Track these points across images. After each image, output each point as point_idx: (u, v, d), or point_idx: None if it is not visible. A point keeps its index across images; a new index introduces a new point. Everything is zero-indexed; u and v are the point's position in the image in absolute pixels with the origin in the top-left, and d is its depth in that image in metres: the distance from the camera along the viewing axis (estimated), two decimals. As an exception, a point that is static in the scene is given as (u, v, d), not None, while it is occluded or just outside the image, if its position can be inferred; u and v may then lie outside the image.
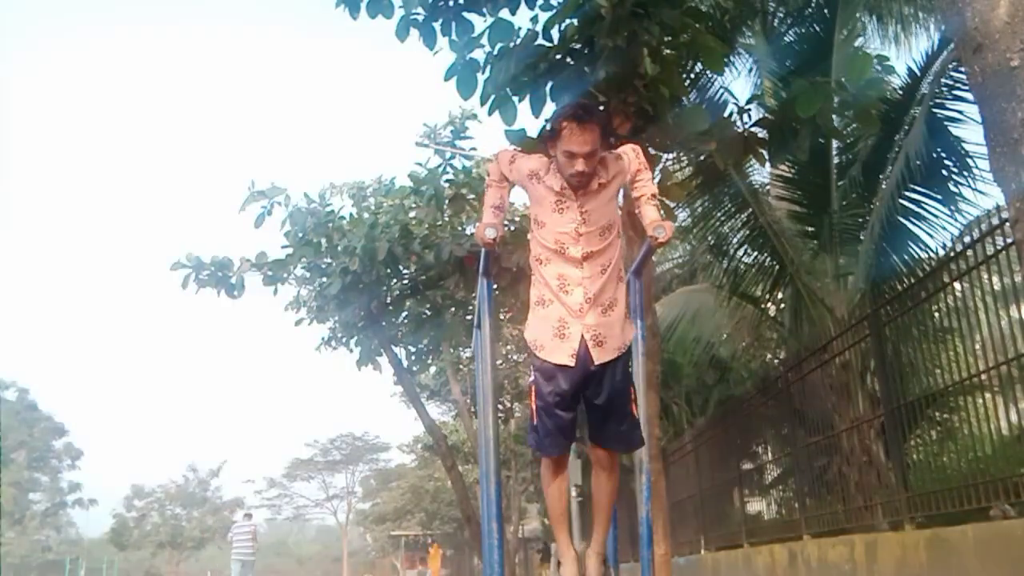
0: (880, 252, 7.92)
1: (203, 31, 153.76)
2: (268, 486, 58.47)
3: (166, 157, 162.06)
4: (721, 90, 8.28)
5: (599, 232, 2.93)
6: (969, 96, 6.80)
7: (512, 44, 5.81)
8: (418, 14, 5.98)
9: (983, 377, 4.91)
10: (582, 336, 2.90)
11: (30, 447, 47.19)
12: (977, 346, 5.06)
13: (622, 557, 11.07)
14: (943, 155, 7.47)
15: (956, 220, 7.57)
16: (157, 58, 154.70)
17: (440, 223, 11.82)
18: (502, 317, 14.32)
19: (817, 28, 8.40)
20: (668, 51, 6.01)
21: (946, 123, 7.40)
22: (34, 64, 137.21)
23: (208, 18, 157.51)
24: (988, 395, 5.09)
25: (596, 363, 2.91)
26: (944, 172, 7.52)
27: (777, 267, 8.87)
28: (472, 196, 11.33)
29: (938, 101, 7.49)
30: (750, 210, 8.87)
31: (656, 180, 3.39)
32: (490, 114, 5.91)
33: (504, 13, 5.93)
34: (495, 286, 5.71)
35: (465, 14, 5.96)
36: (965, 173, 7.34)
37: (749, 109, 6.49)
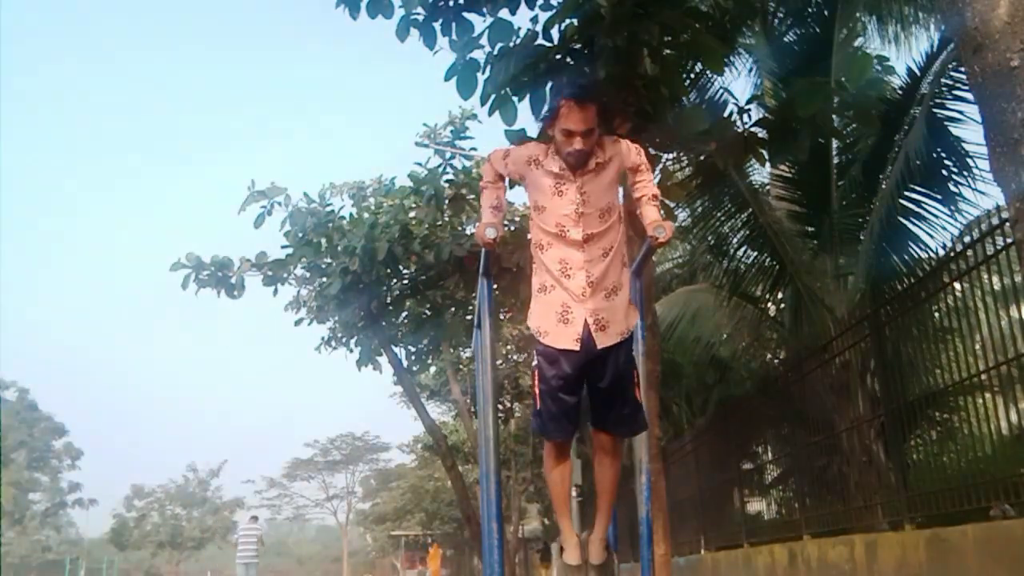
0: (880, 252, 7.92)
1: (203, 31, 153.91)
2: (268, 486, 58.59)
3: (166, 157, 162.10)
4: (721, 90, 8.29)
5: (599, 214, 2.94)
6: (969, 96, 6.80)
7: (512, 44, 5.82)
8: (418, 14, 5.99)
9: (983, 377, 4.91)
10: (585, 320, 2.91)
11: (30, 447, 47.23)
12: (977, 346, 5.06)
13: (622, 557, 11.09)
14: (943, 155, 7.48)
15: (956, 220, 7.58)
16: (157, 58, 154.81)
17: (440, 223, 11.82)
18: (502, 317, 14.32)
19: (817, 28, 8.41)
20: (668, 51, 6.02)
21: (946, 123, 7.40)
22: (34, 64, 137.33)
23: (208, 18, 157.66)
24: (988, 395, 5.09)
25: (599, 347, 2.91)
26: (944, 172, 7.52)
27: (777, 267, 8.87)
28: (472, 196, 11.33)
29: (938, 101, 7.49)
30: (750, 210, 8.87)
31: (656, 180, 3.39)
32: (490, 114, 5.91)
33: (504, 13, 5.93)
34: (495, 286, 5.71)
35: (465, 14, 5.96)
36: (965, 173, 7.34)
37: (749, 109, 6.49)
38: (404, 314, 13.79)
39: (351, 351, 13.96)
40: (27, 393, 48.78)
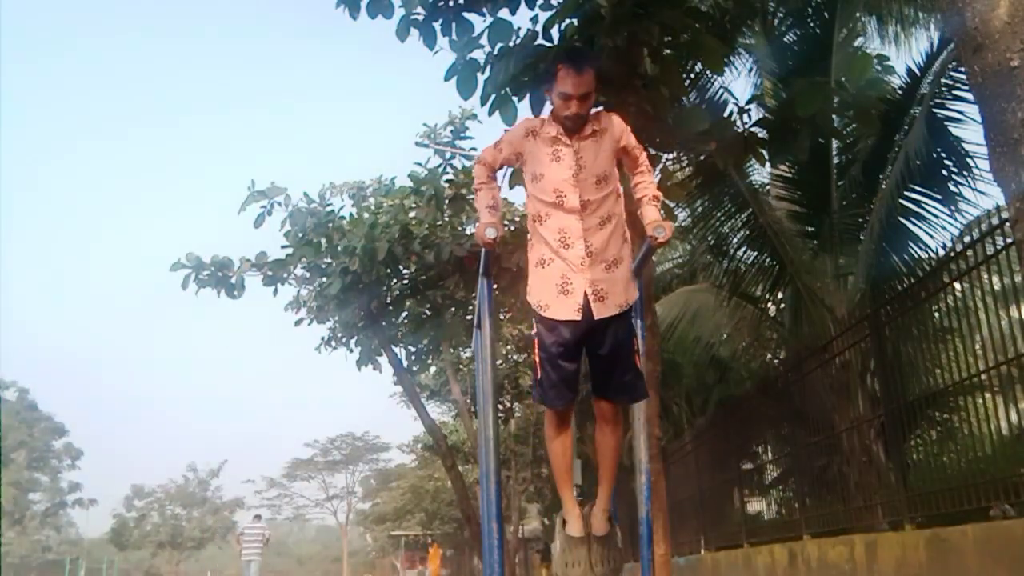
0: (880, 252, 7.92)
1: (203, 31, 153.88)
2: (268, 486, 58.55)
3: (166, 157, 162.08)
4: (721, 90, 8.29)
5: (595, 180, 2.97)
6: (969, 96, 6.80)
7: (512, 44, 5.82)
8: (418, 14, 5.98)
9: (983, 377, 4.91)
10: (584, 291, 2.92)
11: (30, 447, 47.21)
12: (977, 346, 5.06)
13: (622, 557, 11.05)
14: (943, 155, 7.48)
15: (956, 220, 7.59)
16: (157, 58, 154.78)
17: (440, 223, 11.83)
18: (502, 317, 14.33)
19: (817, 28, 8.41)
20: (668, 51, 6.02)
21: (946, 123, 7.40)
22: (34, 64, 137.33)
23: (209, 17, 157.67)
24: (988, 395, 5.09)
25: (596, 317, 2.93)
26: (944, 172, 7.52)
27: (777, 267, 8.87)
28: (472, 196, 11.32)
29: (938, 101, 7.49)
30: (750, 210, 8.87)
31: (656, 180, 3.40)
32: (490, 114, 5.92)
33: (504, 13, 5.93)
34: (495, 286, 5.71)
35: (465, 14, 5.96)
36: (965, 173, 7.34)
37: (749, 109, 6.50)
38: (404, 314, 13.80)
39: (351, 351, 13.97)
40: (27, 393, 48.83)
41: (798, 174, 8.81)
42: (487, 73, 5.91)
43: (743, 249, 9.23)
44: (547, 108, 3.12)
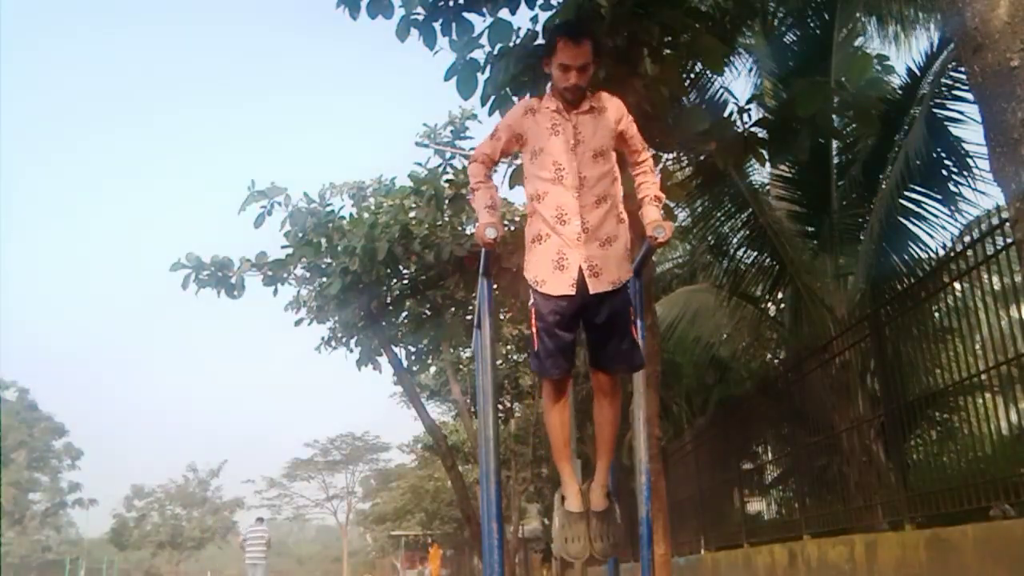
0: (880, 252, 7.92)
1: (204, 31, 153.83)
2: (268, 486, 58.50)
3: (167, 157, 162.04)
4: (721, 90, 8.29)
5: (592, 155, 3.03)
6: (969, 96, 6.80)
7: (512, 44, 5.82)
8: (418, 14, 5.98)
9: (983, 377, 4.91)
10: (579, 266, 2.97)
11: (30, 447, 47.19)
12: (977, 346, 5.06)
13: (622, 557, 11.06)
14: (943, 155, 7.48)
15: (956, 220, 7.59)
16: (157, 58, 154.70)
17: (440, 223, 11.82)
18: (502, 317, 14.33)
19: (817, 28, 8.40)
20: (668, 51, 6.01)
21: (946, 123, 7.40)
22: (34, 64, 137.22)
23: (209, 17, 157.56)
24: (988, 395, 5.09)
25: (591, 292, 2.97)
26: (944, 172, 7.52)
27: (777, 267, 8.87)
28: (470, 197, 11.32)
29: (938, 101, 7.49)
30: (750, 210, 8.87)
31: (657, 181, 3.42)
32: (490, 114, 5.92)
33: (504, 13, 5.93)
34: (495, 286, 5.71)
35: (465, 14, 5.95)
36: (965, 173, 7.34)
37: (749, 109, 6.49)
38: (404, 314, 13.80)
39: (351, 351, 13.97)
40: (27, 393, 48.82)
41: (798, 174, 8.81)
42: (487, 73, 5.91)
43: (743, 249, 9.23)
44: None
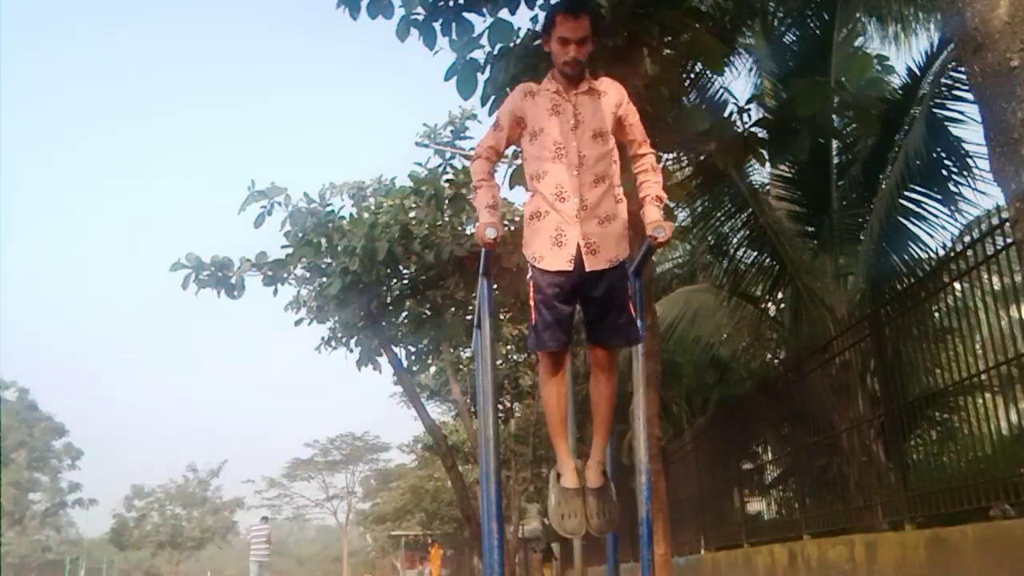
0: (880, 252, 7.92)
1: (204, 31, 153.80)
2: (268, 486, 58.50)
3: (167, 157, 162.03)
4: (721, 90, 8.29)
5: (592, 135, 3.06)
6: (969, 96, 6.80)
7: (512, 44, 5.81)
8: (418, 14, 5.98)
9: (983, 377, 4.91)
10: (577, 243, 3.00)
11: (30, 447, 47.18)
12: (977, 346, 5.06)
13: (622, 557, 11.09)
14: (943, 155, 7.48)
15: (956, 220, 7.58)
16: (157, 58, 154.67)
17: (440, 223, 11.83)
18: (502, 317, 14.32)
19: (817, 28, 8.40)
20: (668, 51, 6.01)
21: (946, 123, 7.40)
22: (34, 64, 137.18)
23: (209, 17, 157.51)
24: (988, 395, 5.09)
25: (587, 269, 3.00)
26: (944, 172, 7.52)
27: (777, 267, 8.87)
28: (472, 196, 11.32)
29: (938, 101, 7.48)
30: (750, 210, 8.86)
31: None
32: (490, 114, 5.91)
33: (504, 13, 5.93)
34: (495, 286, 5.71)
35: (465, 14, 5.95)
36: (965, 173, 7.34)
37: (749, 109, 6.49)
38: (404, 314, 13.80)
39: (351, 351, 13.97)
40: (27, 393, 48.80)
41: (798, 174, 8.81)
42: (487, 73, 5.91)
43: (743, 249, 9.23)
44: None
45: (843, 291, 8.52)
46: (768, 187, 9.81)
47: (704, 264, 11.02)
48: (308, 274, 12.74)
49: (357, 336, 13.70)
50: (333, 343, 14.02)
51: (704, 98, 8.16)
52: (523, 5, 6.00)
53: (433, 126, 12.23)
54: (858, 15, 8.87)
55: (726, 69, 7.96)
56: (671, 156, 7.55)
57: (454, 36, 5.97)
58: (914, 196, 7.70)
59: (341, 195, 12.60)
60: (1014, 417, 4.96)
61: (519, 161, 4.92)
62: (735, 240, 9.19)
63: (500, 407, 19.64)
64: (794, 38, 8.65)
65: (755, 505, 10.06)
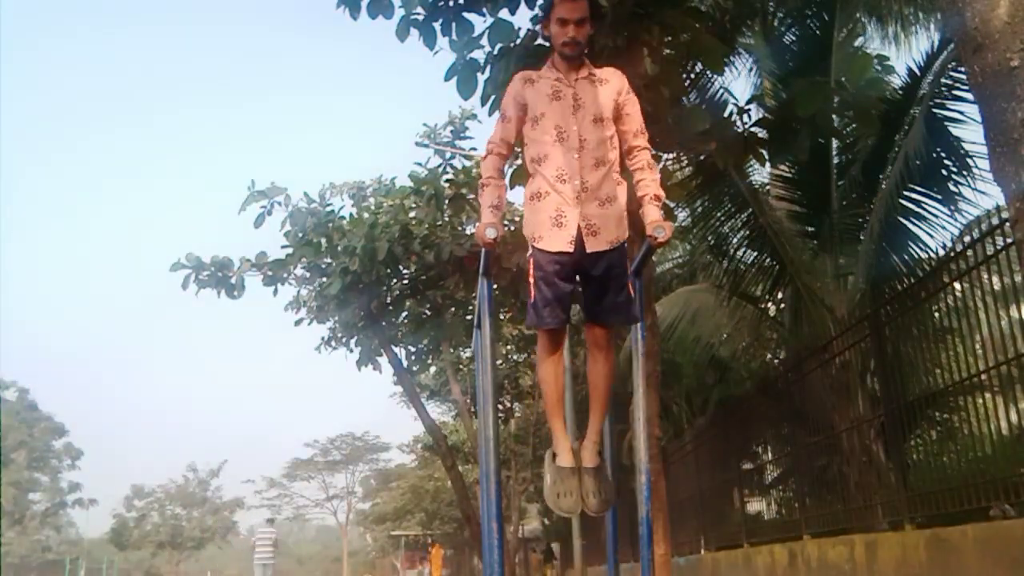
0: (880, 252, 7.92)
1: (204, 31, 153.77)
2: (268, 486, 58.48)
3: (167, 157, 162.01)
4: (721, 90, 8.29)
5: (592, 120, 3.09)
6: (969, 96, 6.80)
7: (512, 44, 5.81)
8: (418, 14, 5.98)
9: (983, 377, 4.91)
10: (578, 224, 3.01)
11: (30, 447, 47.15)
12: (977, 346, 5.06)
13: (622, 557, 11.08)
14: (943, 155, 7.47)
15: (956, 220, 7.58)
16: (157, 58, 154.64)
17: (440, 223, 11.82)
18: (502, 317, 14.32)
19: (817, 28, 8.40)
20: (668, 51, 6.01)
21: (946, 123, 7.40)
22: (34, 64, 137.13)
23: (209, 17, 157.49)
24: (988, 395, 5.09)
25: (588, 251, 3.02)
26: (944, 172, 7.52)
27: (777, 267, 8.86)
28: (472, 196, 11.33)
29: (938, 101, 7.48)
30: (750, 210, 8.86)
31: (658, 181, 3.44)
32: (490, 114, 5.91)
33: (504, 13, 5.93)
34: (495, 286, 5.71)
35: (465, 14, 5.95)
36: (965, 173, 7.34)
37: (749, 109, 6.49)
38: (404, 314, 13.79)
39: (351, 351, 13.96)
40: (27, 393, 48.75)
41: (798, 174, 8.81)
42: (487, 73, 5.91)
43: (743, 249, 9.22)
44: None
45: (843, 291, 8.52)
46: (768, 187, 9.80)
47: (704, 264, 11.02)
48: (308, 274, 12.74)
49: (357, 336, 13.69)
50: (333, 343, 14.01)
51: (704, 98, 8.16)
52: (523, 5, 6.00)
53: (433, 126, 12.24)
54: (858, 15, 8.87)
55: (726, 69, 7.96)
56: (671, 156, 7.55)
57: (454, 36, 5.97)
58: (914, 196, 7.70)
59: (341, 195, 12.60)
60: (1014, 417, 4.96)
61: (519, 161, 4.92)
62: (735, 240, 9.19)
63: (500, 407, 19.64)
64: (794, 38, 8.65)
65: (755, 505, 10.05)
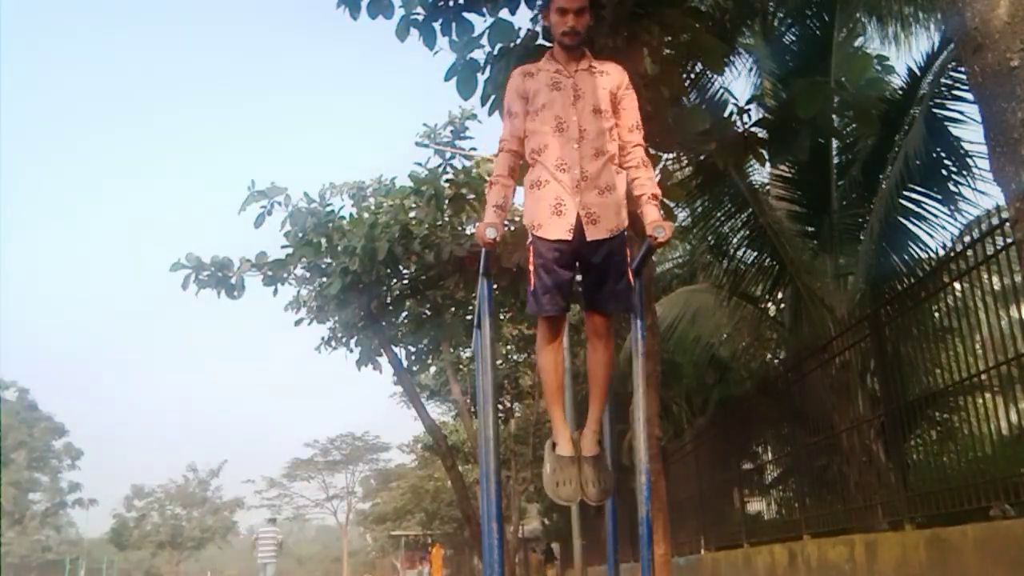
0: (880, 252, 7.91)
1: (204, 31, 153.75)
2: (268, 486, 58.46)
3: (167, 157, 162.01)
4: (721, 90, 8.28)
5: (592, 111, 3.12)
6: (969, 96, 6.80)
7: (512, 44, 5.81)
8: (418, 14, 5.97)
9: (983, 377, 4.91)
10: (577, 213, 3.03)
11: (30, 447, 47.13)
12: (977, 346, 5.06)
13: (622, 557, 11.09)
14: (943, 155, 7.47)
15: (956, 220, 7.58)
16: (157, 58, 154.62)
17: (440, 223, 11.82)
18: (502, 317, 14.32)
19: (817, 28, 8.40)
20: (668, 51, 6.01)
21: (946, 123, 7.40)
22: (34, 64, 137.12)
23: (209, 17, 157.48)
24: (988, 395, 5.09)
25: (588, 239, 3.03)
26: (944, 172, 7.51)
27: (777, 267, 8.86)
28: (472, 196, 11.33)
29: (938, 101, 7.48)
30: (750, 210, 8.86)
31: (656, 180, 3.43)
32: (490, 114, 5.91)
33: (504, 13, 5.93)
34: (495, 286, 5.70)
35: (465, 14, 5.95)
36: (965, 173, 7.34)
37: (749, 109, 6.49)
38: (404, 314, 13.79)
39: (351, 351, 13.96)
40: (27, 393, 48.73)
41: (798, 174, 8.81)
42: (487, 73, 5.91)
43: (743, 249, 9.22)
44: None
45: (843, 291, 8.52)
46: (768, 187, 9.80)
47: (704, 264, 11.02)
48: (308, 274, 12.74)
49: (357, 336, 13.70)
50: (333, 343, 14.01)
51: (704, 98, 8.16)
52: (523, 5, 6.00)
53: (433, 126, 12.23)
54: (858, 15, 8.87)
55: (726, 69, 7.96)
56: (671, 156, 7.54)
57: (454, 36, 5.96)
58: (914, 196, 7.69)
59: (341, 195, 12.60)
60: (1014, 417, 4.96)
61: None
62: (735, 240, 9.19)
63: (500, 407, 19.65)
64: (794, 38, 8.64)
65: (755, 505, 10.06)
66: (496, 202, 3.16)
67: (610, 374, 3.20)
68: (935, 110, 7.45)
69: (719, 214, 9.13)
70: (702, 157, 6.75)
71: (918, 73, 8.01)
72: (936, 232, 7.71)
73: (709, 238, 9.50)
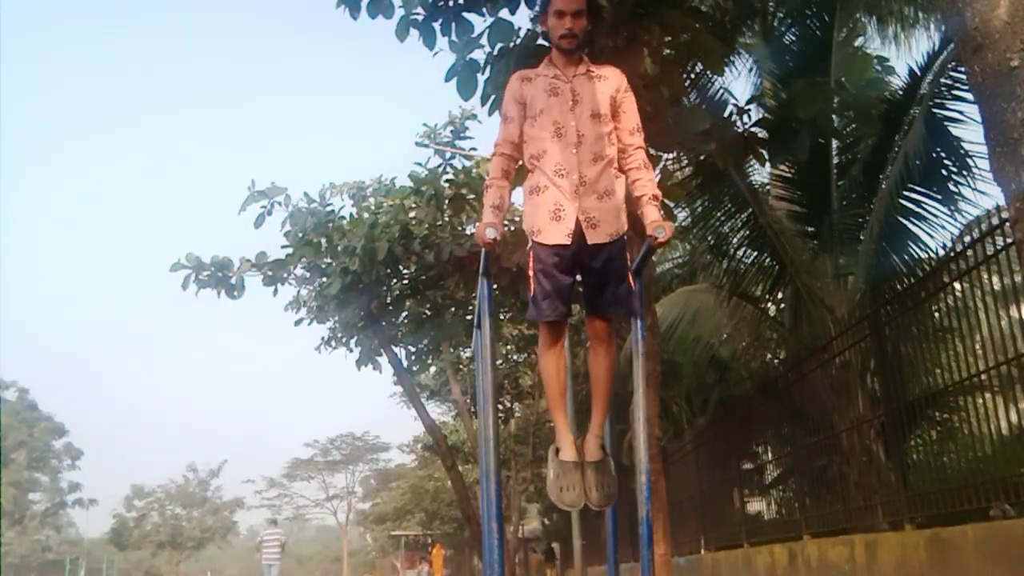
0: (880, 252, 7.91)
1: (204, 31, 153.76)
2: (268, 486, 58.51)
3: (167, 157, 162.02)
4: (721, 90, 8.28)
5: (591, 115, 3.11)
6: (969, 96, 6.80)
7: (512, 44, 5.81)
8: (418, 14, 5.97)
9: (983, 377, 4.91)
10: (577, 218, 3.03)
11: (30, 447, 47.16)
12: (977, 346, 5.06)
13: (622, 557, 11.09)
14: (943, 155, 7.47)
15: (956, 220, 7.58)
16: (157, 58, 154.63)
17: (440, 223, 11.82)
18: (502, 317, 14.32)
19: (817, 28, 8.40)
20: (668, 51, 6.01)
21: (946, 123, 7.40)
22: (34, 64, 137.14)
23: (209, 17, 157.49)
24: (988, 395, 5.09)
25: (589, 243, 3.03)
26: (944, 172, 7.51)
27: (777, 267, 8.86)
28: (472, 196, 11.33)
29: (938, 101, 7.48)
30: (750, 210, 8.86)
31: (656, 180, 3.43)
32: (490, 114, 5.91)
33: (504, 13, 5.92)
34: (495, 286, 5.71)
35: (465, 14, 5.95)
36: (965, 173, 7.33)
37: (749, 109, 6.48)
38: (404, 314, 13.79)
39: (351, 351, 13.96)
40: (27, 393, 48.78)
41: (798, 174, 8.80)
42: (487, 73, 5.91)
43: (743, 249, 9.22)
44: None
45: (843, 291, 8.52)
46: (768, 187, 9.80)
47: (704, 264, 11.02)
48: (308, 274, 12.74)
49: (357, 336, 13.70)
50: (333, 343, 14.01)
51: (704, 98, 8.15)
52: (523, 5, 5.99)
53: (433, 126, 12.24)
54: (858, 15, 8.87)
55: (726, 69, 7.95)
56: (671, 156, 7.54)
57: (454, 36, 5.96)
58: (914, 196, 7.69)
59: (341, 195, 12.60)
60: (1014, 417, 4.96)
61: (518, 162, 4.91)
62: (735, 240, 9.19)
63: (500, 407, 19.65)
64: (794, 38, 8.64)
65: (755, 505, 10.06)
66: (493, 203, 3.16)
67: (612, 378, 3.19)
68: (935, 110, 7.45)
69: (719, 214, 9.13)
70: (702, 157, 6.74)
71: (918, 73, 8.01)
72: (936, 232, 7.72)
73: (709, 238, 9.50)
